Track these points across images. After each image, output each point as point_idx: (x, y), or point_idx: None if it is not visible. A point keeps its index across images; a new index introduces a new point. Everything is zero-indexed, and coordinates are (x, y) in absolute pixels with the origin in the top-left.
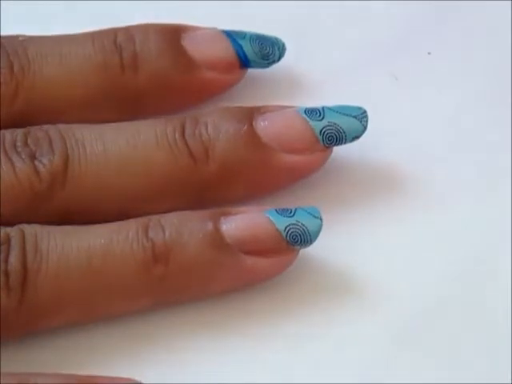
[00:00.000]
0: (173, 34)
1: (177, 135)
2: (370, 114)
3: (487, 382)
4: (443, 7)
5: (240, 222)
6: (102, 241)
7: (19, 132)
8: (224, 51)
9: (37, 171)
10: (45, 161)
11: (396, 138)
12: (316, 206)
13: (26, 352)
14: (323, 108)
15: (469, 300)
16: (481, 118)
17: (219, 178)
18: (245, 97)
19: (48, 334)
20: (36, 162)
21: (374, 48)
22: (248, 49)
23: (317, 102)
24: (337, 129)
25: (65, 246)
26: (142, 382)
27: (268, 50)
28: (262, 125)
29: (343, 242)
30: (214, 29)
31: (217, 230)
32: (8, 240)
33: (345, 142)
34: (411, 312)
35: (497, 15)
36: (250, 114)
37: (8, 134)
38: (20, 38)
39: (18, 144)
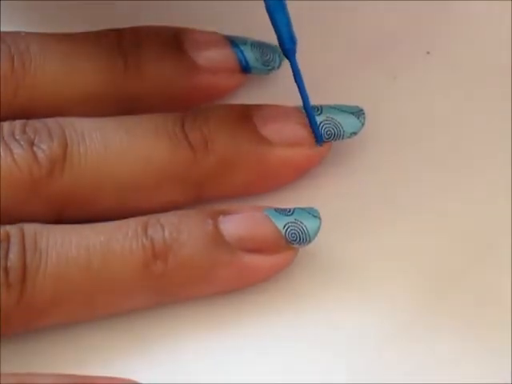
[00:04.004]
0: (175, 38)
1: (177, 127)
2: (368, 112)
3: (488, 376)
4: (442, 7)
5: (239, 221)
6: (102, 239)
7: (17, 122)
8: (226, 56)
9: (35, 157)
10: (44, 147)
11: (395, 137)
12: (314, 205)
13: (25, 352)
14: (321, 105)
15: (469, 294)
16: (480, 118)
17: (218, 170)
18: (244, 96)
19: (47, 333)
20: (35, 148)
21: (372, 47)
22: (249, 55)
23: (316, 101)
24: (335, 124)
25: (64, 244)
26: (141, 382)
27: (269, 57)
28: (262, 120)
29: (343, 239)
30: (216, 33)
31: (216, 228)
32: (8, 238)
33: (343, 138)
34: (412, 308)
35: (497, 15)
36: (250, 111)
37: (6, 125)
38: (22, 34)
39: (17, 132)
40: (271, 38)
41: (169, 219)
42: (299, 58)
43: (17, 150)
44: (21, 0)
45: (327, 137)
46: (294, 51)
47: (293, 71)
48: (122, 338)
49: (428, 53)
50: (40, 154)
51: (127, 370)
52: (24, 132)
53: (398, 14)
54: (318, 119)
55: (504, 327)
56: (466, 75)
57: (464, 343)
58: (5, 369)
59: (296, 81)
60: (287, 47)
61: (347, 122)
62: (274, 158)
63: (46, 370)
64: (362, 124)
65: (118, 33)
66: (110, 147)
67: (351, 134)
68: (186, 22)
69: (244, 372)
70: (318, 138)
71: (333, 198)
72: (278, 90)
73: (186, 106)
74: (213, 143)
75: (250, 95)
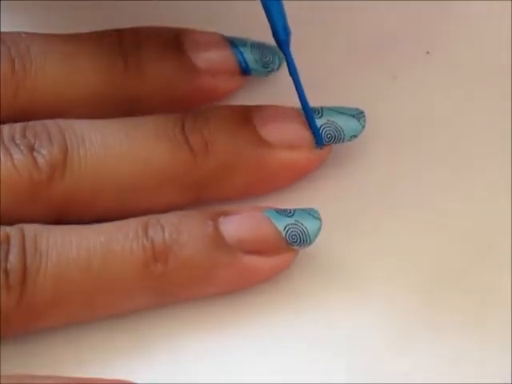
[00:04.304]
0: (176, 38)
1: (177, 129)
2: (368, 113)
3: (488, 376)
4: (442, 7)
5: (239, 222)
6: (102, 240)
7: (17, 126)
8: (226, 58)
9: (36, 162)
10: (44, 152)
11: (395, 137)
12: (314, 206)
13: (25, 352)
14: (322, 107)
15: (469, 294)
16: (480, 118)
17: (218, 172)
18: (244, 97)
19: (47, 334)
20: (35, 154)
21: (372, 48)
22: (249, 56)
23: (316, 101)
24: (335, 127)
25: (64, 245)
26: (141, 382)
27: (268, 59)
28: (261, 120)
29: (343, 239)
30: (215, 34)
31: (216, 229)
32: (8, 239)
33: (343, 141)
34: (412, 308)
35: (497, 15)
36: (250, 112)
37: (6, 128)
38: (23, 35)
39: (17, 136)
40: (270, 39)
41: (169, 220)
42: (299, 58)
43: (17, 156)
44: (21, 0)
45: (327, 140)
46: (288, 42)
47: (287, 63)
48: (122, 338)
49: (428, 53)
50: (40, 160)
51: (127, 370)
52: (24, 136)
53: (398, 14)
54: (319, 122)
55: (504, 327)
56: (466, 75)
57: (464, 343)
58: (5, 369)
59: (290, 73)
60: (282, 38)
61: (348, 125)
62: (273, 160)
63: (45, 370)
64: (363, 127)
65: (119, 33)
66: (110, 149)
67: (352, 137)
68: (186, 22)
69: (244, 372)
70: (319, 141)
71: (333, 198)
72: (277, 91)
73: (186, 108)
74: (213, 145)
75: (250, 96)
